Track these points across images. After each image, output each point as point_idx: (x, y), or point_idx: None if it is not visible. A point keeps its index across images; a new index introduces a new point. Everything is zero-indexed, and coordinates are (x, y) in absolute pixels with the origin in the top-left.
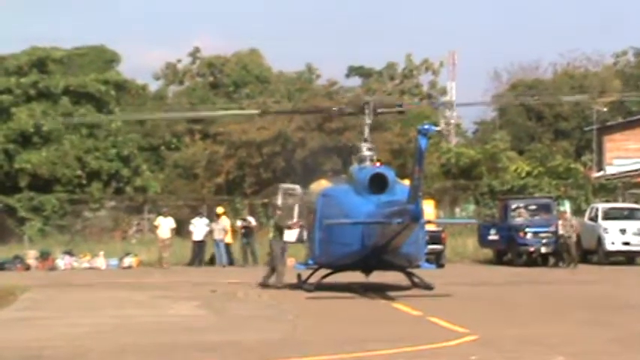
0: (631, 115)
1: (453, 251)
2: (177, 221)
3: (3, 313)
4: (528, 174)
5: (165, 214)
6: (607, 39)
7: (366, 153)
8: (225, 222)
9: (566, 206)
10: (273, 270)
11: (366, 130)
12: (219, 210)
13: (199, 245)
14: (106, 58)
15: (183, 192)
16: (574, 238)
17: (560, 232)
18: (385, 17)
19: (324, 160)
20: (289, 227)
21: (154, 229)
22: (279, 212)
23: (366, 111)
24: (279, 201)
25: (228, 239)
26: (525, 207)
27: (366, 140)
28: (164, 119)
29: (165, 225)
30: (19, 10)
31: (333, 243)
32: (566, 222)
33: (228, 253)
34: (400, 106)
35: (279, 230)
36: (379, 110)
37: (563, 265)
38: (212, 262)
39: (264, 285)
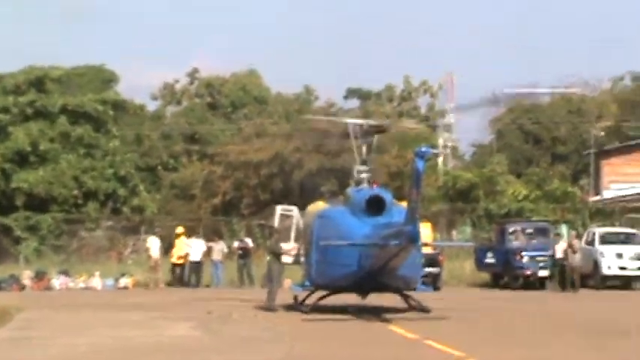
0: (628, 140)
1: (450, 274)
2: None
3: None
4: (525, 197)
5: (157, 234)
6: (605, 64)
7: (363, 175)
8: (199, 243)
9: (563, 230)
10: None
11: (364, 151)
12: (179, 230)
13: (196, 265)
14: (105, 78)
15: (180, 212)
16: (578, 262)
17: (559, 255)
18: (384, 39)
19: (321, 181)
20: (285, 253)
21: (146, 249)
22: (275, 236)
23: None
24: (276, 222)
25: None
26: (522, 230)
27: (364, 162)
28: None
29: (155, 245)
30: (17, 28)
31: (329, 265)
32: (572, 246)
33: (197, 273)
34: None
35: (276, 256)
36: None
37: (563, 290)
38: (181, 282)
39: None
